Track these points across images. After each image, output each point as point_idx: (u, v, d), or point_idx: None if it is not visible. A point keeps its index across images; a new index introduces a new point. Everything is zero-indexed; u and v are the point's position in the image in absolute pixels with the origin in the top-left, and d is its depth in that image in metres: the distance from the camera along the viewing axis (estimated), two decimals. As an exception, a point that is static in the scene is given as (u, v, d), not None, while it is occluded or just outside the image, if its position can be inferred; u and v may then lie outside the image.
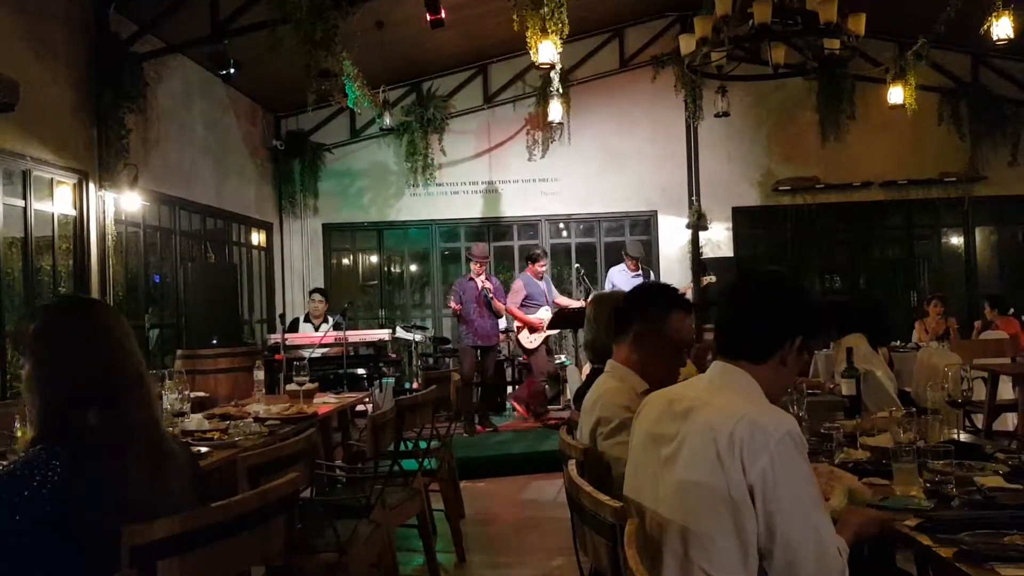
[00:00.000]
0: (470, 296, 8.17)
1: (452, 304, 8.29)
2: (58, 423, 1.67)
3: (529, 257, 8.64)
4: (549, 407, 8.51)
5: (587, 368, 3.73)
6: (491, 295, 8.10)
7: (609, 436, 2.55)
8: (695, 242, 10.91)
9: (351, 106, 8.62)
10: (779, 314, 1.97)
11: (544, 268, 8.51)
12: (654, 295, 2.85)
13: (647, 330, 2.70)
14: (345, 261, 12.01)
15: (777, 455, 1.71)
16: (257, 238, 10.72)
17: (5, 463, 2.63)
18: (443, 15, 7.63)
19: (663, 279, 10.69)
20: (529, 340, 8.33)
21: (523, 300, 8.31)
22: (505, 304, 8.26)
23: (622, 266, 8.88)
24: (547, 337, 8.34)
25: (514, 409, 8.63)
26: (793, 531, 1.71)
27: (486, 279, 8.26)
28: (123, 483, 1.64)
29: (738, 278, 2.21)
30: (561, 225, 11.46)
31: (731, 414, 1.77)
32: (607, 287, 9.01)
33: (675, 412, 1.92)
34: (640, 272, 8.62)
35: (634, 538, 1.65)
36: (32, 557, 1.54)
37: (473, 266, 8.28)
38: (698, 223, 10.81)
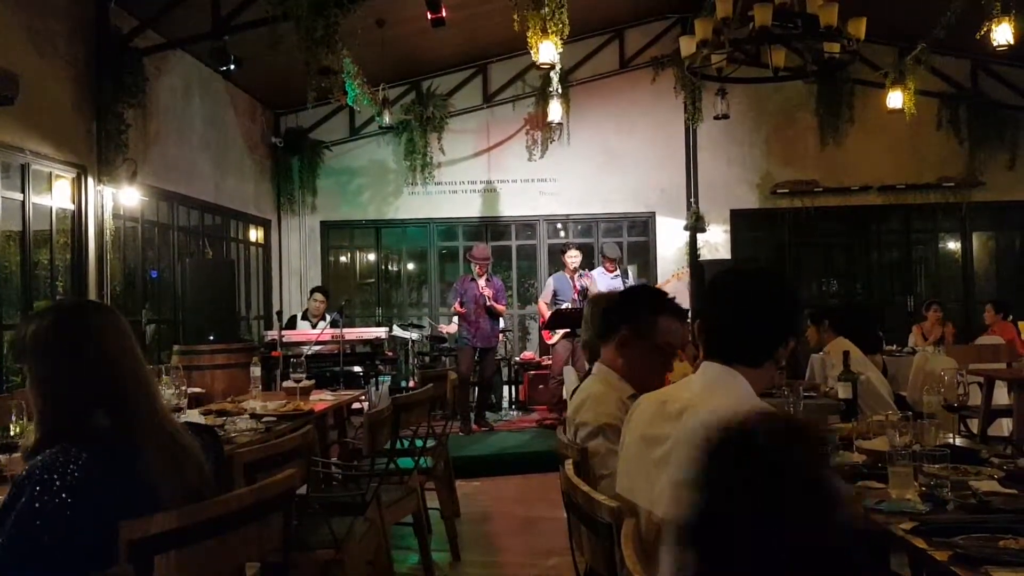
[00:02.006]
0: (470, 297, 8.22)
1: (456, 308, 8.32)
2: (65, 425, 1.67)
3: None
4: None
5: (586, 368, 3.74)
6: (490, 301, 8.16)
7: (587, 440, 2.53)
8: (693, 244, 10.89)
9: (351, 104, 8.63)
10: (776, 317, 1.96)
11: (572, 260, 8.49)
12: (643, 299, 2.78)
13: (634, 335, 2.64)
14: (343, 259, 12.01)
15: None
16: (255, 235, 10.71)
17: (4, 456, 2.63)
18: (444, 14, 7.63)
19: (660, 281, 10.74)
20: (549, 336, 8.42)
21: (552, 297, 8.44)
22: (505, 305, 8.31)
23: (600, 269, 8.90)
24: (569, 336, 8.11)
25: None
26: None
27: (487, 281, 8.29)
28: (143, 481, 1.65)
29: (728, 278, 2.07)
30: (559, 225, 11.45)
31: (724, 414, 1.77)
32: None
33: (668, 413, 1.92)
34: (618, 273, 8.63)
35: (631, 538, 1.66)
36: (47, 555, 1.54)
37: (474, 267, 8.32)
38: (696, 225, 10.80)
